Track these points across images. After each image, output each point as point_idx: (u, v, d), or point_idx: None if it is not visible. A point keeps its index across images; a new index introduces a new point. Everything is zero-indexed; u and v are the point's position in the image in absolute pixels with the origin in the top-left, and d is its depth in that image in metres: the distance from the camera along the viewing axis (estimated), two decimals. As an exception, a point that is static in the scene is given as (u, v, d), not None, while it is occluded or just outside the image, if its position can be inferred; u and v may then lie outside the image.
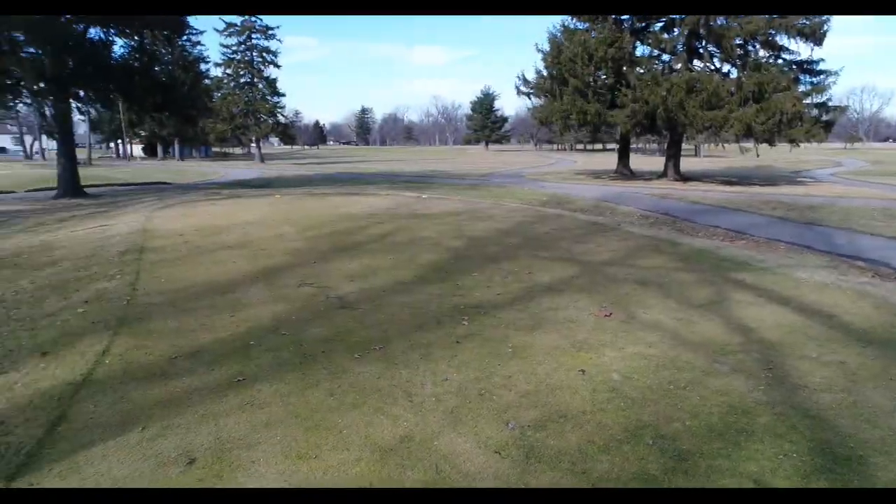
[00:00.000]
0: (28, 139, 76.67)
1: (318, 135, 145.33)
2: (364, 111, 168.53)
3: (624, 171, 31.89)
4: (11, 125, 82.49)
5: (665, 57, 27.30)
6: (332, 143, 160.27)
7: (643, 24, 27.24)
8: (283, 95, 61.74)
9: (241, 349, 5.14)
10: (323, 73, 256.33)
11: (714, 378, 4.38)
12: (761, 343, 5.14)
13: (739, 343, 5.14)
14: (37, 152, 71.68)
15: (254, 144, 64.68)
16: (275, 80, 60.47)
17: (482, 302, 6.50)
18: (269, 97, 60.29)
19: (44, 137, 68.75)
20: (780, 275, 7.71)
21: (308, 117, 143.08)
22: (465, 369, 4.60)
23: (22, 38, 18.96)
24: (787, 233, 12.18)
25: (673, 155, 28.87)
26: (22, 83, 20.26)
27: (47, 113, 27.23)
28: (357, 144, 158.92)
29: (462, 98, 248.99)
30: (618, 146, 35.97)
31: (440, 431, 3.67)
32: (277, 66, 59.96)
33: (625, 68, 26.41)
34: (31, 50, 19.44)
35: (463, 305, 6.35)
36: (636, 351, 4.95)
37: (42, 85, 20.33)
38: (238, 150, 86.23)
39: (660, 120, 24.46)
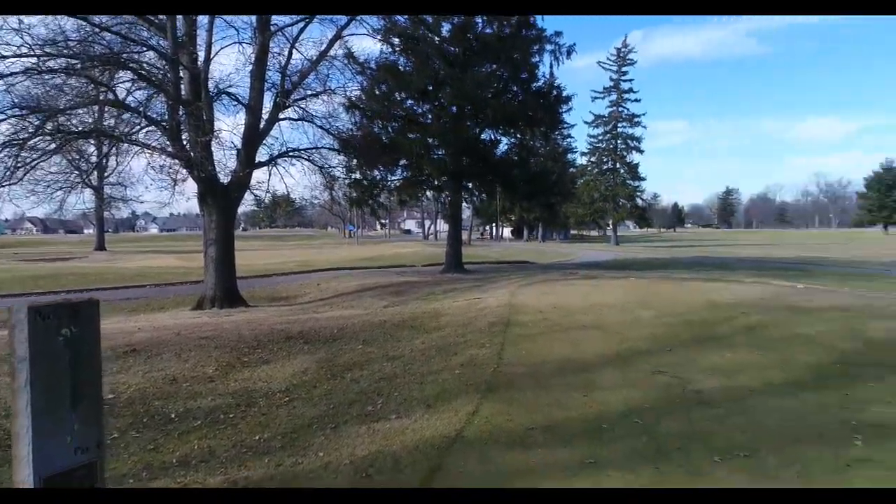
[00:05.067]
0: (426, 222, 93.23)
1: (676, 217, 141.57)
2: (728, 192, 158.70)
3: None
4: (416, 211, 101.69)
5: None
6: (689, 225, 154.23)
7: None
8: (644, 179, 62.66)
9: (593, 431, 5.17)
10: (686, 155, 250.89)
11: None
12: None
13: None
14: (431, 233, 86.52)
15: (610, 227, 66.47)
16: (636, 165, 61.92)
17: (884, 421, 5.28)
18: (629, 182, 61.84)
19: (439, 221, 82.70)
20: None
21: (666, 200, 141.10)
22: (859, 502, 3.76)
23: (434, 143, 23.60)
24: None
25: None
26: (430, 178, 24.99)
27: (443, 201, 32.85)
28: (717, 227, 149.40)
29: (853, 173, 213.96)
30: None
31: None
32: (640, 151, 61.40)
33: None
34: (440, 152, 23.95)
35: (855, 421, 5.25)
36: None
37: (444, 179, 24.72)
38: (594, 233, 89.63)
39: None
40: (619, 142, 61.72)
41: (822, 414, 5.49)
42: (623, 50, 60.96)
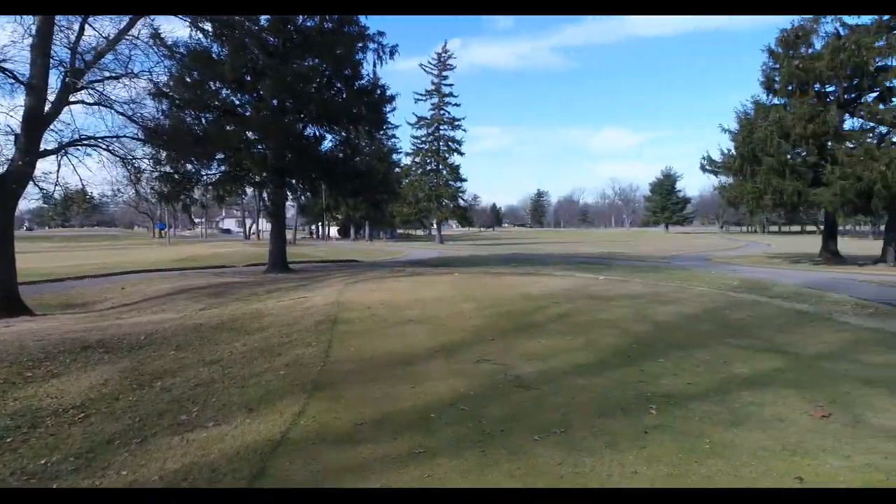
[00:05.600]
0: (248, 221, 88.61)
1: (494, 217, 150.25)
2: (540, 194, 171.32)
3: (830, 256, 28.46)
4: (236, 210, 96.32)
5: (882, 129, 24.47)
6: (506, 225, 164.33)
7: (852, 96, 24.87)
8: (465, 181, 65.38)
9: (422, 421, 5.21)
10: (502, 158, 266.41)
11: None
12: None
13: None
14: (253, 233, 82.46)
15: (434, 226, 68.53)
16: (458, 167, 64.42)
17: (671, 391, 5.99)
18: (451, 182, 64.15)
19: (262, 220, 79.11)
20: None
21: (485, 200, 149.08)
22: (656, 464, 4.20)
23: (255, 137, 22.43)
24: None
25: (895, 238, 25.25)
26: (250, 174, 23.73)
27: (266, 199, 31.38)
28: (531, 227, 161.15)
29: (641, 179, 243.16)
30: (821, 228, 32.43)
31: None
32: (461, 153, 64.04)
33: (830, 144, 24.11)
34: (260, 147, 22.83)
35: (650, 393, 5.90)
36: (868, 462, 4.17)
37: (265, 175, 23.62)
38: (420, 232, 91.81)
39: (877, 198, 21.68)
40: (441, 144, 63.84)
41: (623, 389, 6.08)
42: (443, 55, 63.15)
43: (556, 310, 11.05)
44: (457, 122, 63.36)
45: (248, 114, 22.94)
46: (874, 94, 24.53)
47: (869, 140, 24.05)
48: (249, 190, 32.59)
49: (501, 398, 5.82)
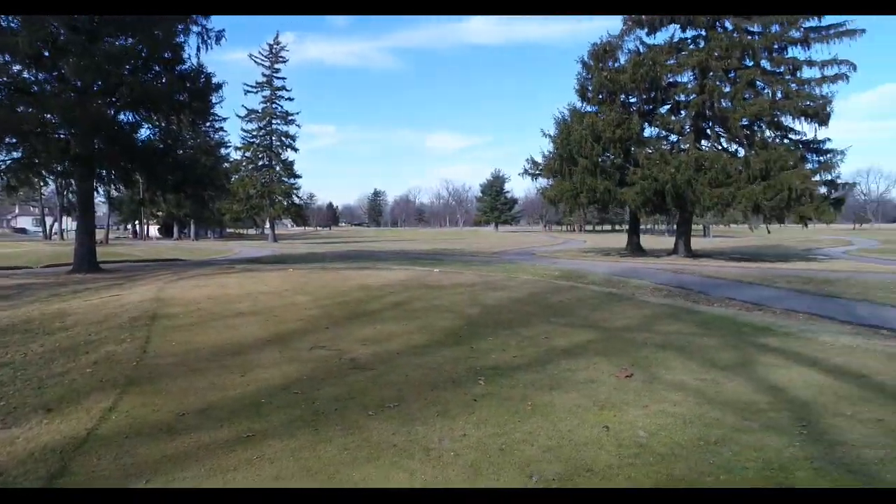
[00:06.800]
0: (49, 220, 78.29)
1: (331, 216, 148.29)
2: (377, 194, 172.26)
3: (634, 249, 32.00)
4: (34, 206, 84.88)
5: (673, 137, 28.06)
6: (343, 224, 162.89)
7: (650, 107, 28.15)
8: (300, 177, 63.51)
9: (252, 407, 5.00)
10: (338, 157, 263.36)
11: (746, 434, 4.16)
12: (792, 402, 4.93)
13: (769, 402, 4.94)
14: (56, 232, 73.09)
15: (267, 225, 65.88)
16: (292, 163, 62.38)
17: (498, 364, 6.35)
18: (285, 179, 62.01)
19: (65, 218, 70.44)
20: (804, 339, 7.51)
21: (321, 199, 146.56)
22: (483, 426, 4.42)
23: (54, 119, 19.84)
24: (805, 304, 12.04)
25: (683, 232, 29.05)
26: (51, 162, 20.97)
27: (70, 193, 27.97)
28: (368, 226, 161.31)
29: (473, 181, 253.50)
30: (627, 225, 36.36)
31: (460, 485, 3.48)
32: (295, 149, 62.15)
33: (633, 148, 27.08)
34: (62, 132, 20.27)
35: (479, 367, 6.20)
36: (661, 409, 4.75)
37: (67, 164, 21.01)
38: (251, 231, 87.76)
39: (668, 196, 24.79)
40: (273, 138, 61.47)
41: (454, 364, 6.32)
42: (275, 46, 60.83)
43: (393, 298, 11.18)
44: (290, 117, 61.50)
45: (46, 94, 20.28)
46: (667, 106, 28.02)
47: (664, 146, 27.42)
48: (52, 183, 28.92)
49: (336, 380, 5.76)
